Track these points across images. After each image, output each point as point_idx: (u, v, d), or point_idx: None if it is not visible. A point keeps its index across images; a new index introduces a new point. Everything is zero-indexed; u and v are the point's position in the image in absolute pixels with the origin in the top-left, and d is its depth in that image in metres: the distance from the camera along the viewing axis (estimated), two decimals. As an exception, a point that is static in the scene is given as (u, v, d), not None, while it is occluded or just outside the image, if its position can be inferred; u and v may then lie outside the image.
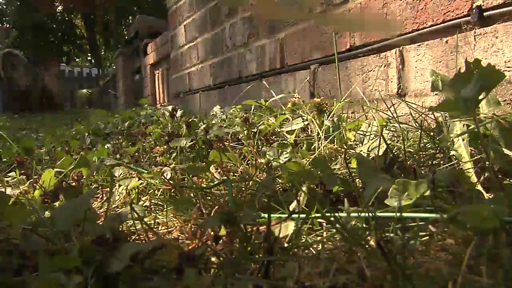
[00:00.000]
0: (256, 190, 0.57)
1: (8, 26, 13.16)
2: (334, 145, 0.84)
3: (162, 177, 0.60)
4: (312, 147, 0.82)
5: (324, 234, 0.34)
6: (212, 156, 0.82)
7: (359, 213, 0.35)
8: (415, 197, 0.35)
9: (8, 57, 6.06)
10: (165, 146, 0.99)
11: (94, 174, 0.66)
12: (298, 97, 1.12)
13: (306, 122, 0.93)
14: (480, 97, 0.46)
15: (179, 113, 1.69)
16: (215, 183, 0.61)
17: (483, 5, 0.99)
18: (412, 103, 1.20)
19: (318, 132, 0.87)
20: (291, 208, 0.42)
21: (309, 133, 0.93)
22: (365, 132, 0.91)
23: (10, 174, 0.82)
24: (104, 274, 0.29)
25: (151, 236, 0.35)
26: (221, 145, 0.86)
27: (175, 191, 0.59)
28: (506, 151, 0.45)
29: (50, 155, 1.12)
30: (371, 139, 0.85)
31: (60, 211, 0.36)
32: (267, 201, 0.36)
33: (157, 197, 0.58)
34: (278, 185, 0.60)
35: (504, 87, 0.96)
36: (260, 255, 0.29)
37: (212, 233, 0.34)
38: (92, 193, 0.37)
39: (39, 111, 5.97)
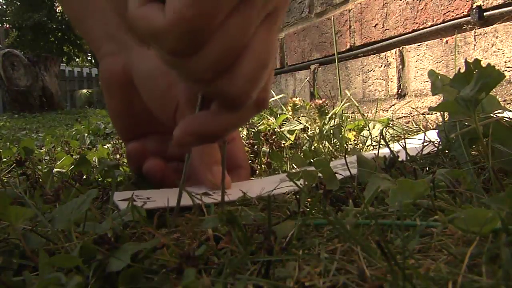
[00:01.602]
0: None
1: (8, 26, 13.15)
2: (333, 146, 0.84)
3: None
4: (313, 147, 0.82)
5: (325, 235, 0.34)
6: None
7: (359, 214, 0.35)
8: (415, 197, 0.35)
9: (8, 57, 6.05)
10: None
11: (94, 174, 0.66)
12: (299, 99, 1.12)
13: (308, 123, 0.93)
14: (480, 97, 0.46)
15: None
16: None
17: (483, 5, 0.99)
18: (412, 103, 1.20)
19: (318, 132, 0.87)
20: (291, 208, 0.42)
21: (310, 134, 0.93)
22: (369, 133, 0.91)
23: (10, 174, 0.82)
24: (105, 273, 0.29)
25: (152, 235, 0.35)
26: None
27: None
28: (506, 151, 0.45)
29: (50, 155, 1.12)
30: (373, 140, 0.85)
31: (61, 210, 0.36)
32: (267, 201, 0.36)
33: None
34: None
35: (504, 87, 0.96)
36: (260, 255, 0.29)
37: (212, 233, 0.34)
38: (93, 193, 0.37)
39: (39, 111, 5.97)
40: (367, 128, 0.94)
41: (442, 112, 0.59)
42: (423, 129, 0.94)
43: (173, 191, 0.44)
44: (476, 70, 0.46)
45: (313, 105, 0.92)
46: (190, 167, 0.49)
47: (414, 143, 0.62)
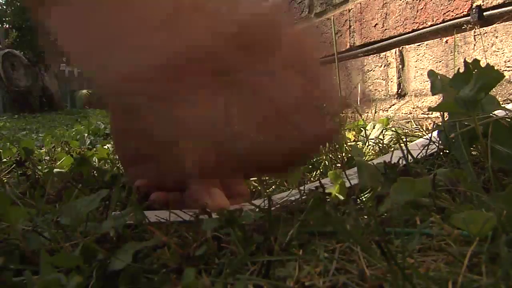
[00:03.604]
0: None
1: (8, 26, 13.14)
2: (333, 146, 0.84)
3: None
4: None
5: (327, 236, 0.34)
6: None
7: (360, 213, 0.35)
8: (416, 195, 0.35)
9: (8, 58, 6.05)
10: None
11: (94, 173, 0.67)
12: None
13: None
14: (480, 97, 0.46)
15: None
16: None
17: (483, 5, 0.99)
18: (412, 102, 1.20)
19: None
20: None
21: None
22: (369, 133, 0.91)
23: (10, 174, 0.82)
24: (106, 273, 0.29)
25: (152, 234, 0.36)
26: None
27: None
28: (506, 151, 0.45)
29: (50, 155, 1.12)
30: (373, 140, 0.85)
31: (69, 207, 0.35)
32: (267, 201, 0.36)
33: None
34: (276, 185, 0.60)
35: (504, 87, 0.96)
36: (260, 255, 0.29)
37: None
38: (103, 192, 0.37)
39: (39, 111, 5.97)
40: (367, 129, 0.94)
41: (442, 112, 0.59)
42: (423, 130, 0.94)
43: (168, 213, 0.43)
44: (475, 70, 0.46)
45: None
46: (189, 191, 0.49)
47: (415, 144, 0.62)
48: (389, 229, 0.32)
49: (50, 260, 0.29)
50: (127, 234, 0.35)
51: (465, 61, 0.47)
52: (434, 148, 0.59)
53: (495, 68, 0.45)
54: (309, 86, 0.35)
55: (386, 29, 1.28)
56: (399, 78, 1.26)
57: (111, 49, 0.33)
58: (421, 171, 0.46)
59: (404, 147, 0.54)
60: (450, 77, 0.50)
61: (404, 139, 0.61)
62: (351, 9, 1.42)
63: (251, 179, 0.62)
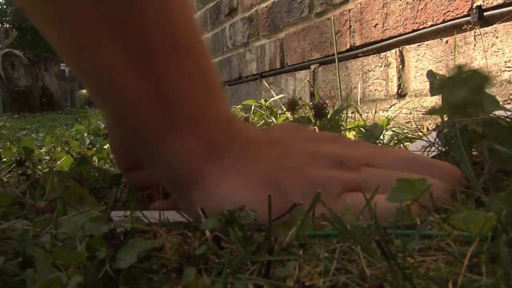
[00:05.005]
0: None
1: (8, 26, 13.14)
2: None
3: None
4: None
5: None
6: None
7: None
8: (416, 195, 0.35)
9: (8, 57, 6.05)
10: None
11: (95, 173, 0.67)
12: (302, 101, 1.12)
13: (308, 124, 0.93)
14: (477, 98, 0.46)
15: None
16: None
17: (483, 5, 0.99)
18: (412, 103, 1.20)
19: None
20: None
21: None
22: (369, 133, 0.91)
23: (10, 174, 0.82)
24: (107, 272, 0.29)
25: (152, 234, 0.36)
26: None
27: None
28: (506, 151, 0.46)
29: (50, 155, 1.12)
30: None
31: (68, 219, 0.36)
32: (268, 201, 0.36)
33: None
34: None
35: (504, 87, 0.96)
36: (260, 255, 0.29)
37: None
38: (96, 210, 0.37)
39: (39, 111, 5.96)
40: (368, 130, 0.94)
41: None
42: (424, 130, 0.94)
43: (168, 212, 0.43)
44: (467, 74, 0.46)
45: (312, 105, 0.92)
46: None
47: (415, 145, 0.62)
48: (389, 230, 0.32)
49: (52, 256, 0.29)
50: (133, 231, 0.34)
51: (458, 65, 0.47)
52: (434, 150, 0.59)
53: (496, 68, 0.45)
54: None
55: (386, 29, 1.28)
56: (399, 78, 1.26)
57: None
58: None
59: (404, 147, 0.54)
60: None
61: (404, 139, 0.61)
62: (351, 9, 1.42)
63: None
